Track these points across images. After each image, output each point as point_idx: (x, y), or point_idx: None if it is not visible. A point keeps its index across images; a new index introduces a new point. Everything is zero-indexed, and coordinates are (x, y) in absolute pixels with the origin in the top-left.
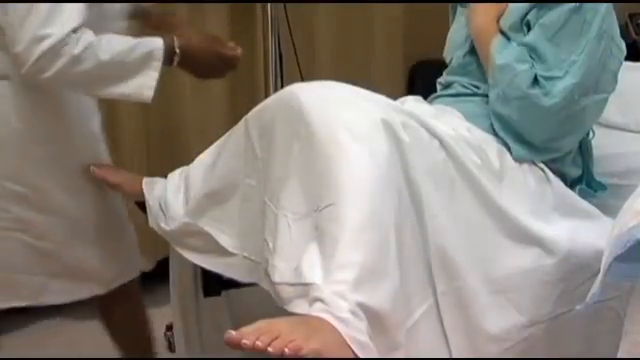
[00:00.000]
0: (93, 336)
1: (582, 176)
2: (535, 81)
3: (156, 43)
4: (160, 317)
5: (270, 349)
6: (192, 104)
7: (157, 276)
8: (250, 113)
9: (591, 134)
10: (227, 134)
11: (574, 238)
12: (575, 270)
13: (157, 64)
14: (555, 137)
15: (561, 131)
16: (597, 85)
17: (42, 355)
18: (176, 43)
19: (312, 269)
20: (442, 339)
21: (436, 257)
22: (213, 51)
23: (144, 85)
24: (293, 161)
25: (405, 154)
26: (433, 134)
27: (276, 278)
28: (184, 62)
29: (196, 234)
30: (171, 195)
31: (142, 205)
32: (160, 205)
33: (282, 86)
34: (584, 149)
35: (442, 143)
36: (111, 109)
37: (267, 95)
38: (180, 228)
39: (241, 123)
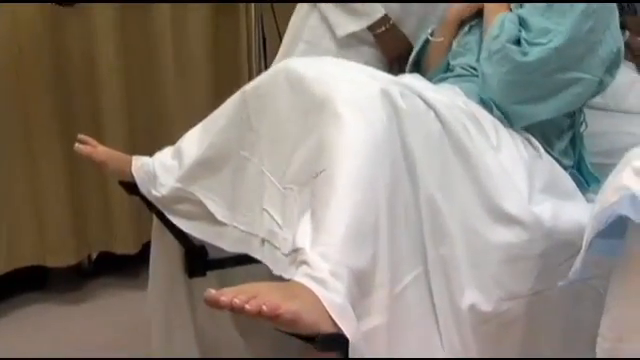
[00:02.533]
0: (78, 321)
1: (573, 167)
2: (518, 42)
3: (379, 13)
4: (145, 300)
5: (247, 306)
6: (176, 92)
7: (142, 259)
8: (247, 86)
9: (583, 126)
10: (222, 106)
11: (558, 215)
12: (558, 247)
13: (364, 24)
14: (524, 100)
15: (530, 95)
16: (580, 63)
17: (26, 341)
18: (390, 20)
19: (304, 235)
20: (430, 306)
21: (428, 224)
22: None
23: (344, 24)
24: (295, 134)
25: (403, 121)
26: (429, 105)
27: (285, 250)
28: (386, 37)
29: (186, 200)
30: (162, 161)
31: (126, 185)
32: (150, 171)
33: None
34: (577, 141)
35: (437, 114)
36: (95, 93)
37: None
38: (171, 194)
39: (238, 95)
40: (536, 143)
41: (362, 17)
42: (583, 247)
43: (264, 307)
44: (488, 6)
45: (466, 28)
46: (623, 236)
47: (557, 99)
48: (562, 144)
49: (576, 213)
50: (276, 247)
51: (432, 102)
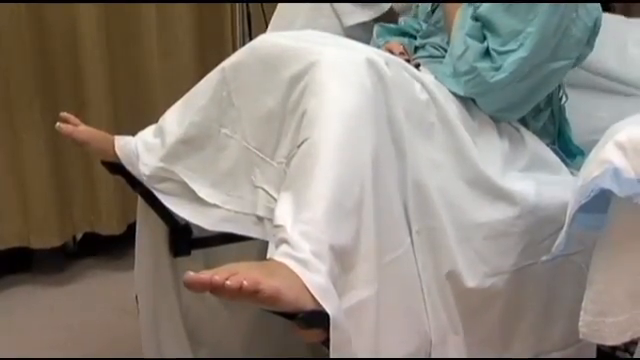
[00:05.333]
0: (64, 302)
1: (554, 143)
2: (487, 54)
3: (386, 5)
4: (130, 281)
5: (228, 282)
6: (160, 73)
7: (127, 240)
8: (226, 63)
9: (564, 99)
10: (201, 83)
11: (541, 192)
12: (541, 223)
13: (374, 15)
14: (504, 108)
15: (506, 103)
16: (555, 53)
17: (12, 323)
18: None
19: (284, 211)
20: (417, 278)
21: (413, 195)
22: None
23: (351, 13)
24: (280, 107)
25: (388, 89)
26: (415, 77)
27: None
28: None
29: (169, 180)
30: (144, 140)
31: (109, 165)
32: (133, 150)
33: None
34: (557, 116)
35: (424, 86)
36: (78, 68)
37: None
38: (154, 173)
39: (217, 72)
40: (515, 124)
41: (374, 7)
42: (566, 221)
43: (245, 282)
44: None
45: (429, 7)
46: (606, 210)
47: (535, 95)
48: (538, 124)
49: (560, 189)
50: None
51: (417, 75)
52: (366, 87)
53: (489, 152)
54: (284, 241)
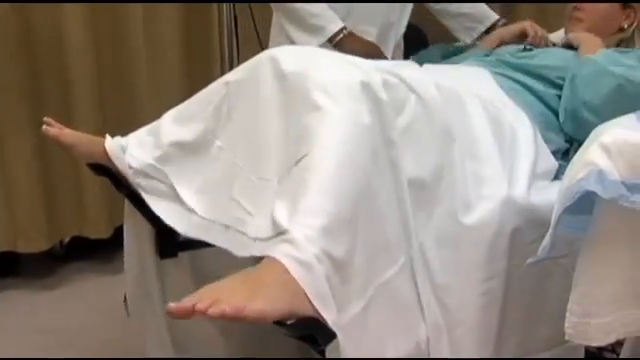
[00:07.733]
0: (52, 307)
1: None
2: None
3: (335, 25)
4: (118, 285)
5: (210, 311)
6: (147, 76)
7: (115, 243)
8: (230, 77)
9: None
10: (204, 92)
11: (530, 193)
12: (529, 225)
13: (322, 40)
14: (609, 107)
15: (608, 108)
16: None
17: (0, 326)
18: (346, 30)
19: (283, 216)
20: (415, 294)
21: (412, 210)
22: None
23: (306, 42)
24: (275, 126)
25: (384, 114)
26: (411, 88)
27: (253, 234)
28: (345, 44)
29: (154, 178)
30: (136, 136)
31: (95, 167)
32: (123, 145)
33: None
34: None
35: (419, 97)
36: (64, 69)
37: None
38: (142, 169)
39: (220, 85)
40: (527, 122)
41: (320, 32)
42: (552, 223)
43: (227, 309)
44: (585, 38)
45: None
46: (591, 212)
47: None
48: (554, 145)
49: (547, 191)
50: (242, 232)
51: (413, 84)
52: (362, 114)
53: (488, 148)
54: (286, 241)
